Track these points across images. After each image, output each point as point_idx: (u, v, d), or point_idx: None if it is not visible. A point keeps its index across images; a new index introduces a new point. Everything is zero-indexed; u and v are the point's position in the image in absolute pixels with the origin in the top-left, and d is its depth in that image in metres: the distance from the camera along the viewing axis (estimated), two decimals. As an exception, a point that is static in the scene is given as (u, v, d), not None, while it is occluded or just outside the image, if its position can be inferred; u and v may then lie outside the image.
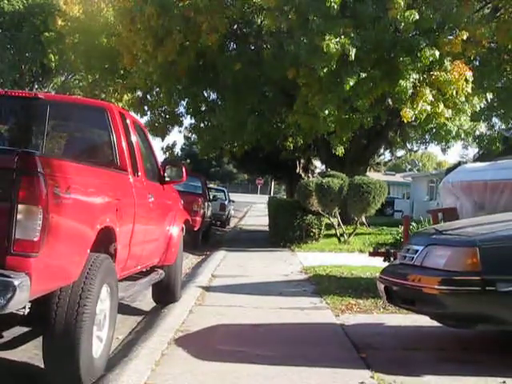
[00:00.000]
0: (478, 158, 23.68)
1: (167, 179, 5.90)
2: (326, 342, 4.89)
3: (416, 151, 39.06)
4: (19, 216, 2.87)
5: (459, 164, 20.21)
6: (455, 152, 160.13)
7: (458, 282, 4.07)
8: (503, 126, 20.59)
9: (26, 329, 4.06)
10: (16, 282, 2.79)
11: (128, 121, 5.13)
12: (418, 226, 12.32)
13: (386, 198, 15.49)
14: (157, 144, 18.86)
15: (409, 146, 27.71)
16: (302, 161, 27.92)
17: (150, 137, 6.36)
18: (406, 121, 13.95)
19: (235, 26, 17.19)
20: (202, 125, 19.17)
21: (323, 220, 13.99)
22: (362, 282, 7.83)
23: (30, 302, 3.06)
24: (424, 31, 13.33)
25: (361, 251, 12.27)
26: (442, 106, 13.33)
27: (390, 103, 14.50)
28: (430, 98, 13.04)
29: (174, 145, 23.15)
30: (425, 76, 13.31)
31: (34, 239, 2.89)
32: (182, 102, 19.07)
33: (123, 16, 16.94)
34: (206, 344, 4.68)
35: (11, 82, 30.81)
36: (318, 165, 30.24)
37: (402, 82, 12.77)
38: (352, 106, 13.78)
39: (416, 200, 32.90)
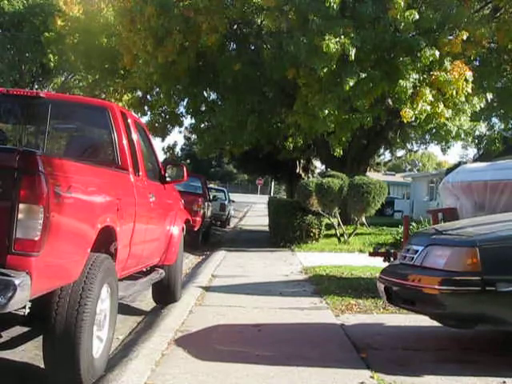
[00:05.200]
0: (478, 158, 23.68)
1: (168, 179, 5.91)
2: (325, 342, 4.89)
3: (416, 151, 39.16)
4: (20, 215, 2.87)
5: (459, 164, 20.21)
6: (455, 152, 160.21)
7: (458, 282, 4.07)
8: (503, 126, 20.59)
9: (26, 329, 4.07)
10: (17, 281, 2.79)
11: (129, 120, 5.13)
12: (418, 226, 12.31)
13: (386, 198, 15.51)
14: (157, 144, 18.90)
15: (409, 146, 27.77)
16: (302, 161, 27.98)
17: (151, 136, 6.36)
18: (405, 121, 13.96)
19: (235, 26, 17.19)
20: (202, 125, 19.18)
21: (323, 220, 14.00)
22: (362, 282, 7.83)
23: (30, 301, 3.06)
24: (424, 31, 13.34)
25: (361, 251, 12.27)
26: (441, 106, 13.34)
27: (390, 103, 14.51)
28: (430, 98, 13.05)
29: (174, 145, 23.22)
30: (425, 76, 13.32)
31: (34, 238, 2.89)
32: (182, 102, 19.08)
33: (123, 16, 16.94)
34: (206, 344, 4.68)
35: (11, 82, 30.78)
36: (318, 165, 30.31)
37: (401, 82, 12.78)
38: (352, 106, 13.79)
39: (416, 200, 32.91)
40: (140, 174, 4.99)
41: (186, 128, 22.30)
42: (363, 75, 12.97)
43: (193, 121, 19.86)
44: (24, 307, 3.13)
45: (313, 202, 13.28)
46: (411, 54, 13.01)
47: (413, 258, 4.55)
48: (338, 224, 14.47)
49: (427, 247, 4.46)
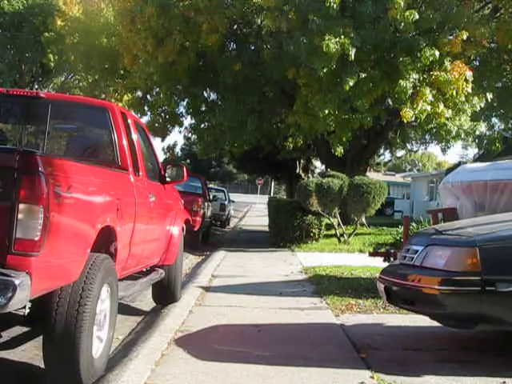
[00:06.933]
0: (478, 158, 23.69)
1: (168, 179, 5.91)
2: (325, 342, 4.89)
3: (416, 151, 39.12)
4: (20, 215, 2.87)
5: (459, 164, 20.21)
6: (455, 152, 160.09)
7: (457, 282, 4.07)
8: (503, 126, 20.60)
9: (26, 329, 4.07)
10: (16, 282, 2.79)
11: (129, 120, 5.13)
12: (418, 226, 12.32)
13: (386, 199, 15.51)
14: (157, 144, 18.93)
15: (409, 146, 27.75)
16: (302, 161, 28.00)
17: (151, 136, 6.36)
18: (405, 121, 13.97)
19: (235, 26, 17.19)
20: (202, 125, 19.19)
21: (323, 220, 14.00)
22: (361, 282, 7.83)
23: (30, 301, 3.06)
24: (424, 31, 13.34)
25: (361, 251, 12.28)
26: (441, 105, 13.34)
27: (390, 103, 14.51)
28: (430, 98, 13.05)
29: (174, 145, 23.24)
30: (425, 76, 13.32)
31: (34, 238, 2.88)
32: (182, 102, 19.09)
33: (123, 16, 16.94)
34: (206, 344, 4.68)
35: (11, 82, 30.80)
36: (318, 165, 30.33)
37: (401, 82, 12.78)
38: (352, 106, 13.79)
39: (416, 200, 32.91)
40: (140, 174, 4.99)
41: (186, 128, 22.30)
42: (363, 75, 12.97)
43: (193, 121, 19.90)
44: (24, 307, 3.12)
45: (313, 201, 13.28)
46: (411, 54, 13.00)
47: (413, 258, 4.55)
48: (338, 224, 14.47)
49: (427, 247, 4.46)
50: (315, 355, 4.41)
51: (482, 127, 17.21)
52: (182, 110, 19.87)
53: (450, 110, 13.57)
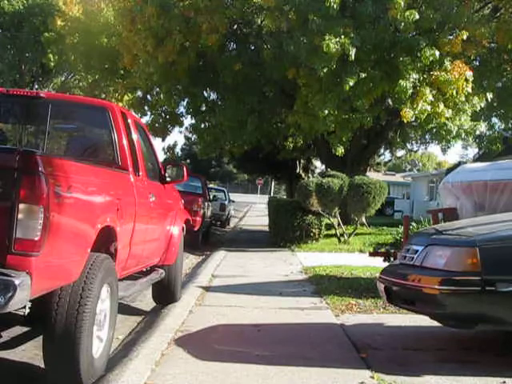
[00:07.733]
0: (478, 158, 23.69)
1: (168, 179, 5.91)
2: (325, 342, 4.89)
3: (416, 151, 39.17)
4: (20, 215, 2.87)
5: (459, 164, 20.21)
6: (455, 152, 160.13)
7: (458, 282, 4.07)
8: (503, 126, 20.60)
9: (26, 329, 4.07)
10: (17, 281, 2.79)
11: (129, 120, 5.12)
12: (418, 226, 12.30)
13: (386, 198, 15.51)
14: (157, 144, 18.94)
15: (409, 146, 27.77)
16: (302, 161, 28.00)
17: (151, 136, 6.35)
18: (406, 121, 13.97)
19: (235, 26, 17.20)
20: (202, 125, 19.19)
21: (323, 220, 14.00)
22: (361, 282, 7.83)
23: (30, 301, 3.06)
24: (424, 31, 13.35)
25: (361, 251, 12.27)
26: (442, 105, 13.35)
27: (390, 103, 14.50)
28: (430, 97, 13.06)
29: (174, 145, 23.25)
30: (425, 76, 13.33)
31: (34, 238, 2.88)
32: (182, 102, 19.09)
33: (123, 16, 16.95)
34: (206, 344, 4.68)
35: (11, 82, 30.82)
36: (318, 165, 30.34)
37: (401, 82, 12.79)
38: (352, 106, 13.80)
39: (416, 200, 32.92)
40: (140, 174, 4.99)
41: (186, 128, 22.32)
42: (363, 75, 12.98)
43: (193, 121, 19.89)
44: (24, 307, 3.13)
45: (313, 201, 13.28)
46: (411, 54, 13.01)
47: (413, 257, 4.55)
48: (338, 224, 14.47)
49: (427, 247, 4.46)
50: (315, 355, 4.41)
51: (482, 127, 17.20)
52: (182, 109, 19.89)
53: (450, 110, 13.58)
